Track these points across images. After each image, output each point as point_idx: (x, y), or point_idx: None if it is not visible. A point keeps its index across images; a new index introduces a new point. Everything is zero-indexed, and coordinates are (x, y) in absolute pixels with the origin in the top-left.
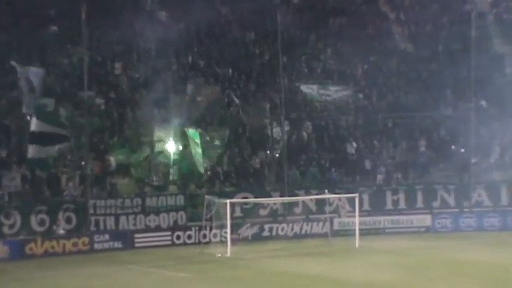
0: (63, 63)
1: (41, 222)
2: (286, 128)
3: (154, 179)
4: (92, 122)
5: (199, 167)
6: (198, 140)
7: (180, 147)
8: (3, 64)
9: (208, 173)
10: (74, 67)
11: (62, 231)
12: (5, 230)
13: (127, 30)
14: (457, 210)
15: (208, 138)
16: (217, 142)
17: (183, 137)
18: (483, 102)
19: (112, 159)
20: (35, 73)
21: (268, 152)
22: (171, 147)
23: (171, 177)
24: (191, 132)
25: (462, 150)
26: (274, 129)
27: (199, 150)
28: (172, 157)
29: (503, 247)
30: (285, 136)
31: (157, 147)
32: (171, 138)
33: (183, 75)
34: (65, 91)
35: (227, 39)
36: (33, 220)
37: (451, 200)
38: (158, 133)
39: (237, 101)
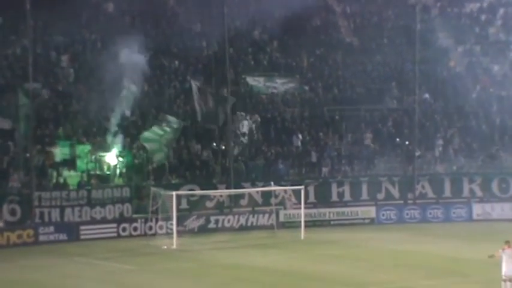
0: (7, 55)
1: None
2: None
3: (99, 172)
4: (37, 113)
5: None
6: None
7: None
8: None
9: (154, 165)
10: (18, 58)
11: (0, 224)
12: None
13: (73, 22)
14: (401, 202)
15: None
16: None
17: (129, 130)
18: (426, 95)
19: (57, 151)
20: None
21: (214, 144)
22: (117, 140)
23: (117, 171)
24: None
25: (407, 142)
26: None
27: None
28: (117, 150)
29: (446, 238)
30: (231, 128)
31: (103, 139)
32: (116, 131)
33: (130, 67)
34: (9, 83)
35: (173, 31)
36: None
37: (395, 192)
38: (104, 125)
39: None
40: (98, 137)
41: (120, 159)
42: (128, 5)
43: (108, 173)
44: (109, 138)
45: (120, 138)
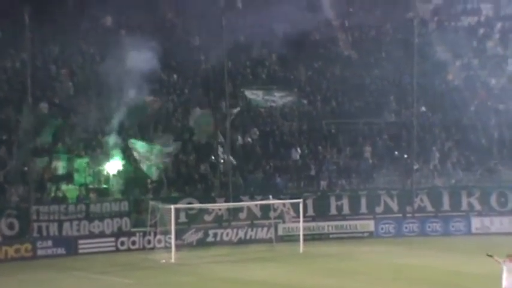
0: (6, 68)
1: None
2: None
3: (97, 186)
4: (36, 127)
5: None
6: (145, 151)
7: (123, 155)
8: None
9: (153, 179)
10: (17, 72)
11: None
12: None
13: (71, 36)
14: (400, 215)
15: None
16: (161, 149)
17: (127, 145)
18: (423, 108)
19: (56, 165)
20: None
21: (213, 158)
22: (115, 154)
23: (114, 185)
24: (136, 143)
25: (405, 156)
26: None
27: (147, 162)
28: (115, 164)
29: (445, 252)
30: (229, 142)
31: (101, 153)
32: (114, 145)
33: (128, 81)
34: (7, 96)
35: (172, 44)
36: None
37: (394, 206)
38: (102, 139)
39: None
40: (96, 150)
41: (121, 164)
42: (126, 18)
43: (105, 186)
44: (107, 151)
45: (118, 151)
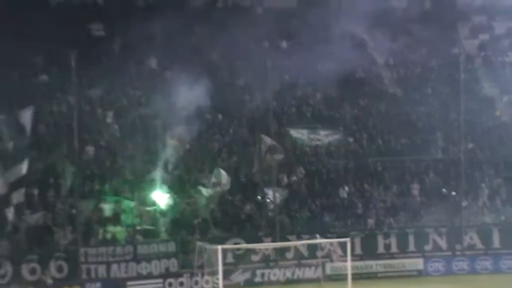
0: (53, 112)
1: (32, 272)
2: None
3: (145, 227)
4: (83, 170)
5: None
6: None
7: (170, 195)
8: None
9: (200, 219)
10: (63, 116)
11: (49, 281)
12: None
13: (117, 78)
14: (449, 253)
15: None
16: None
17: (175, 185)
18: (471, 145)
19: (104, 207)
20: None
21: (259, 197)
22: (162, 195)
23: (161, 226)
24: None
25: (453, 193)
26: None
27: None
28: (162, 206)
29: None
30: (275, 181)
31: (148, 194)
32: (161, 186)
33: (173, 122)
34: (54, 140)
35: (216, 85)
36: (25, 269)
37: (443, 243)
38: (148, 180)
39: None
40: (142, 191)
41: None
42: (171, 60)
43: (152, 227)
44: (154, 192)
45: (165, 191)
